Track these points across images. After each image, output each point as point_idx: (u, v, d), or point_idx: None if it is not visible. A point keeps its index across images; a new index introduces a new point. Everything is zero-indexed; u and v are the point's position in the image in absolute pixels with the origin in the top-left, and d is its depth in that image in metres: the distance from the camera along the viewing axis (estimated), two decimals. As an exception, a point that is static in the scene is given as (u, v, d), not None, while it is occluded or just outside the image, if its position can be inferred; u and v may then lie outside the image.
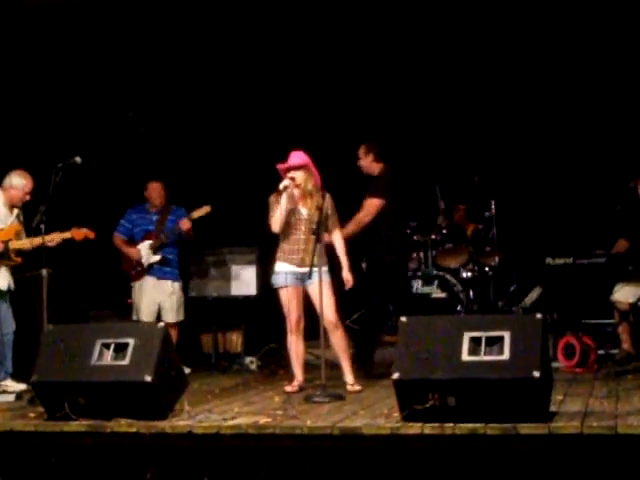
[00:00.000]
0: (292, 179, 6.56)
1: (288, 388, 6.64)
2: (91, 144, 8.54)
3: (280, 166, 6.66)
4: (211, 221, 8.57)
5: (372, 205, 7.48)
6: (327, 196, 6.63)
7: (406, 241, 8.30)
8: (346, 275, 6.64)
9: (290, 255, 6.62)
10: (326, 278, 6.52)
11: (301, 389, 6.64)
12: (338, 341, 6.63)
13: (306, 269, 6.43)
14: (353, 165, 7.72)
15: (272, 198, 6.64)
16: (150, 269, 8.35)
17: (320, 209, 6.43)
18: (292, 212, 6.62)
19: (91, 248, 7.62)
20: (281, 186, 6.51)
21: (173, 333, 8.38)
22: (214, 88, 9.66)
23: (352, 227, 7.43)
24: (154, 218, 8.49)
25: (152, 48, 9.02)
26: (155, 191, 8.53)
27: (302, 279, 6.57)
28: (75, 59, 8.90)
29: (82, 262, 8.87)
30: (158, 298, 8.35)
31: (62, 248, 7.17)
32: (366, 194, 7.53)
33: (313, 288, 6.48)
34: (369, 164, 7.66)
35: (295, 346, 6.69)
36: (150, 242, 8.35)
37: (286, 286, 6.61)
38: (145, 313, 8.31)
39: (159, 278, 8.37)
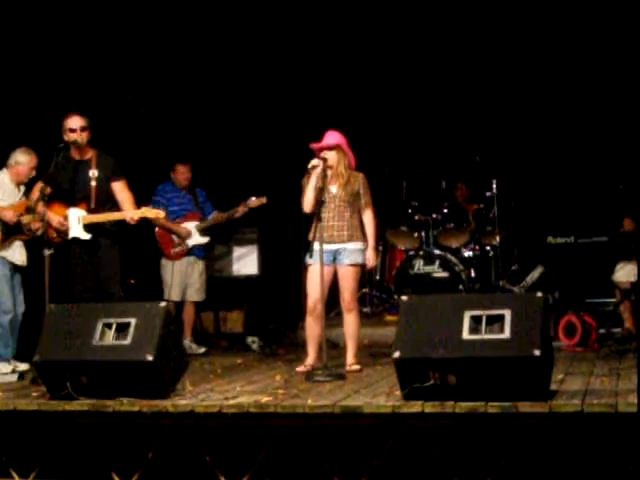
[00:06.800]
0: (324, 159, 6.49)
1: (300, 368, 6.53)
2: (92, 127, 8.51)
3: (313, 145, 6.58)
4: (212, 201, 8.59)
5: (127, 186, 7.01)
6: (360, 176, 6.65)
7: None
8: (369, 254, 6.66)
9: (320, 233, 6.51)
10: (358, 258, 6.58)
11: (313, 369, 6.45)
12: (349, 324, 6.62)
13: (335, 246, 6.49)
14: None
15: (304, 179, 6.59)
16: (192, 249, 8.38)
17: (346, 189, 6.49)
18: (323, 191, 6.50)
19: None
20: (310, 165, 6.47)
21: (192, 312, 8.44)
22: (215, 67, 9.62)
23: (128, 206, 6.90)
24: (188, 197, 8.51)
25: (150, 29, 8.99)
26: (183, 174, 8.53)
27: (333, 257, 6.54)
28: (74, 42, 8.87)
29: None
30: (189, 278, 8.37)
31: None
32: (112, 177, 6.95)
33: (340, 268, 6.52)
34: (85, 139, 6.91)
35: (310, 328, 6.57)
36: (197, 223, 8.38)
37: (311, 264, 6.51)
38: (177, 293, 8.31)
39: (197, 258, 8.41)
